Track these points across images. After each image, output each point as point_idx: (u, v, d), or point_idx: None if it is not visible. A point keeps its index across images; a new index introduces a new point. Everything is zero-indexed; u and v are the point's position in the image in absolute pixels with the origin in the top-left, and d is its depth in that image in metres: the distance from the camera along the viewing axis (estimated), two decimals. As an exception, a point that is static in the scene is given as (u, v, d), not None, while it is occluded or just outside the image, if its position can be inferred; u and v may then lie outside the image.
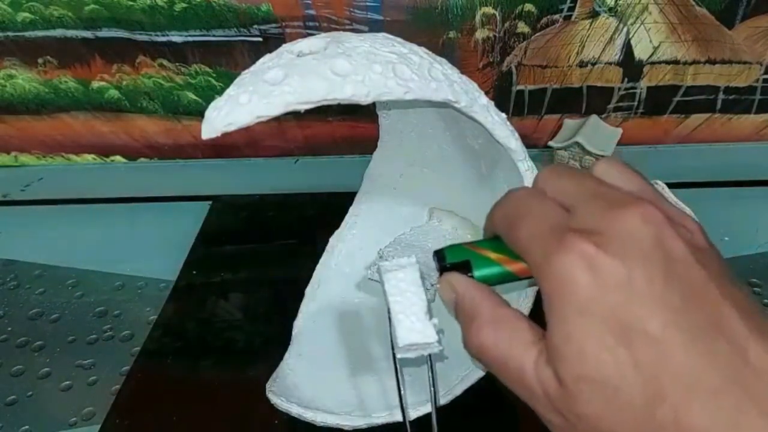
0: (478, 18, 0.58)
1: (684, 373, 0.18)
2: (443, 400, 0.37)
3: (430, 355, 0.27)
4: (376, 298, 0.48)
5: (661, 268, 0.19)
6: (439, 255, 0.26)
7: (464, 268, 0.25)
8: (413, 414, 0.36)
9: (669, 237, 0.20)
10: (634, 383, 0.18)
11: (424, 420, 0.36)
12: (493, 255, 0.25)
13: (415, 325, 0.26)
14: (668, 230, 0.20)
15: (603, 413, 0.19)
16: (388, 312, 0.27)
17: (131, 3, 0.58)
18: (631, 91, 0.63)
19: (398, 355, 0.26)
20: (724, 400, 0.17)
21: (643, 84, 0.63)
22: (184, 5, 0.58)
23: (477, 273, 0.24)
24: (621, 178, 0.23)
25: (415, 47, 0.32)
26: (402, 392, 0.28)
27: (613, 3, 0.57)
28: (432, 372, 0.27)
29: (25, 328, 0.51)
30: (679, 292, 0.19)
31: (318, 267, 0.48)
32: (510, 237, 0.23)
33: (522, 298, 0.37)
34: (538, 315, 0.22)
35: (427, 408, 0.37)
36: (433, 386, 0.27)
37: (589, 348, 0.19)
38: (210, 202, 0.62)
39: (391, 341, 0.27)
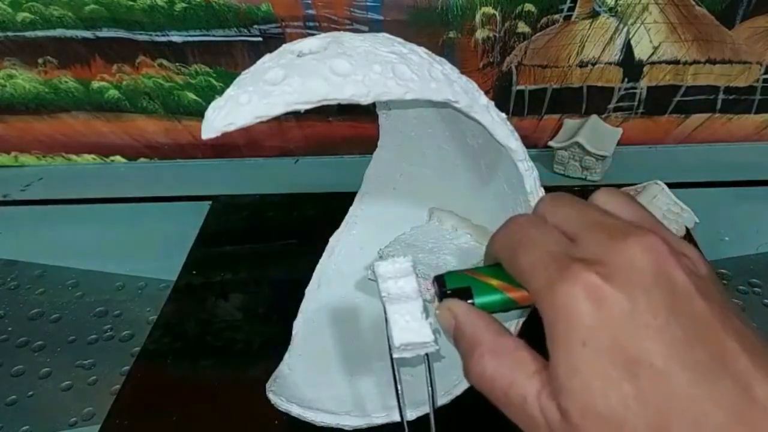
0: (478, 18, 0.59)
1: (689, 409, 0.18)
2: (443, 401, 0.37)
3: (427, 355, 0.26)
4: (376, 298, 0.47)
5: (664, 300, 0.19)
6: (439, 281, 0.25)
7: (464, 294, 0.24)
8: (414, 414, 0.36)
9: (671, 267, 0.20)
10: (639, 418, 0.18)
11: (424, 420, 0.36)
12: (494, 282, 0.24)
13: (411, 324, 0.26)
14: (670, 260, 0.20)
15: None
16: (384, 312, 0.27)
17: (131, 3, 0.58)
18: (631, 91, 0.63)
19: (394, 355, 0.26)
20: None
21: (643, 84, 0.63)
22: (184, 5, 0.58)
23: (477, 300, 0.24)
24: (621, 207, 0.23)
25: (415, 47, 0.32)
26: (399, 392, 0.28)
27: (613, 3, 0.57)
28: (430, 372, 0.27)
29: (26, 328, 0.51)
30: (683, 325, 0.19)
31: (318, 267, 0.48)
32: (512, 264, 0.23)
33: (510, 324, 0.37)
34: (533, 341, 0.22)
35: (427, 408, 0.37)
36: (431, 386, 0.27)
37: (593, 381, 0.19)
38: (210, 202, 0.62)
39: (388, 341, 0.27)
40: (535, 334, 0.21)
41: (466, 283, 0.25)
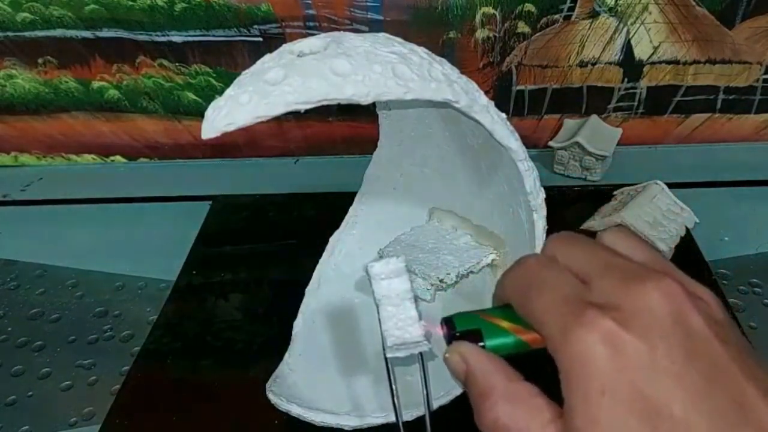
0: (478, 18, 0.58)
1: None
2: (443, 401, 0.37)
3: (421, 354, 0.26)
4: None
5: (682, 346, 0.19)
6: (448, 323, 0.24)
7: (474, 337, 0.23)
8: (415, 413, 0.36)
9: (688, 312, 0.19)
10: None
11: (423, 420, 0.36)
12: (505, 324, 0.23)
13: (403, 324, 0.26)
14: (687, 304, 0.19)
15: None
16: (377, 312, 0.27)
17: (131, 3, 0.58)
18: (631, 91, 0.63)
19: (388, 355, 0.26)
20: None
21: (643, 84, 0.63)
22: (184, 5, 0.58)
23: (488, 342, 0.23)
24: (632, 248, 0.23)
25: (415, 47, 0.32)
26: (394, 392, 0.28)
27: (613, 3, 0.57)
28: (424, 371, 0.27)
29: (26, 328, 0.51)
30: (701, 371, 0.18)
31: (318, 267, 0.48)
32: (523, 307, 0.22)
33: None
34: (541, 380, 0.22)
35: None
36: (426, 387, 0.27)
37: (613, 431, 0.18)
38: (210, 202, 0.62)
39: (382, 341, 0.27)
40: (542, 374, 0.21)
41: (475, 325, 0.24)
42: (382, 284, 0.28)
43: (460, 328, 0.24)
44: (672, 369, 0.18)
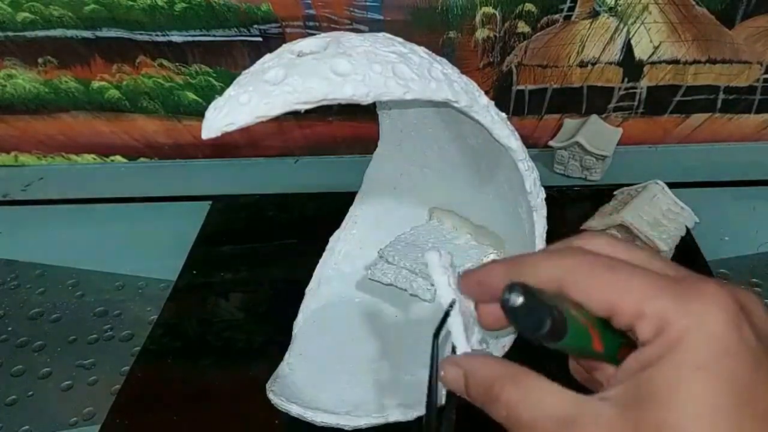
0: (478, 18, 0.58)
1: None
2: (442, 401, 0.37)
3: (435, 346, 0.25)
4: (376, 298, 0.48)
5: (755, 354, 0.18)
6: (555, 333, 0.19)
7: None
8: (414, 414, 0.36)
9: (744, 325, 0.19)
10: None
11: (422, 420, 0.36)
12: (579, 317, 0.20)
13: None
14: (742, 317, 0.19)
15: None
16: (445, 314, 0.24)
17: (131, 3, 0.58)
18: (632, 91, 0.63)
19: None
20: None
21: (644, 84, 0.63)
22: (184, 5, 0.58)
23: (569, 340, 0.20)
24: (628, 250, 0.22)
25: (415, 47, 0.32)
26: (433, 381, 0.26)
27: (613, 3, 0.57)
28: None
29: (26, 327, 0.51)
30: None
31: (318, 267, 0.48)
32: (589, 285, 0.20)
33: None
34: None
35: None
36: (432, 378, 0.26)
37: (703, 408, 0.17)
38: (210, 202, 0.62)
39: (436, 330, 0.24)
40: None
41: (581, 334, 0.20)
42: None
43: (569, 343, 0.20)
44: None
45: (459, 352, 0.24)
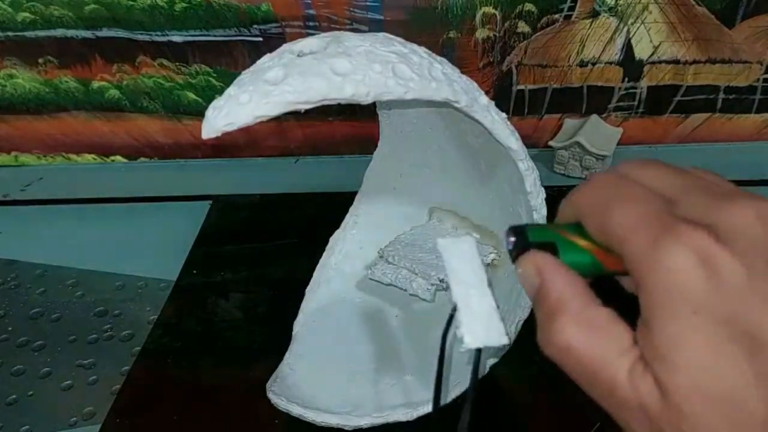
0: (478, 18, 0.58)
1: None
2: (458, 390, 0.37)
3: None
4: (376, 298, 0.48)
5: None
6: (518, 231, 0.21)
7: (549, 251, 0.21)
8: (415, 414, 0.36)
9: None
10: (758, 399, 0.16)
11: (423, 420, 0.36)
12: (581, 242, 0.21)
13: (489, 323, 0.22)
14: None
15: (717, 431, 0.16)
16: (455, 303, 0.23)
17: (131, 3, 0.58)
18: (632, 90, 0.63)
19: (462, 349, 0.22)
20: None
21: (644, 84, 0.63)
22: (184, 5, 0.58)
23: (564, 259, 0.21)
24: (713, 176, 0.21)
25: (415, 47, 0.32)
26: (440, 384, 0.25)
27: (613, 2, 0.57)
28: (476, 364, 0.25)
29: (26, 327, 0.51)
30: None
31: (318, 267, 0.48)
32: (602, 222, 0.20)
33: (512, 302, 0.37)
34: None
35: (425, 408, 0.37)
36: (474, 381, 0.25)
37: (705, 354, 0.16)
38: (210, 202, 0.62)
39: (444, 331, 0.23)
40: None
41: (550, 238, 0.21)
42: (455, 273, 0.24)
43: (533, 239, 0.21)
44: None
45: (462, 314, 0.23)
